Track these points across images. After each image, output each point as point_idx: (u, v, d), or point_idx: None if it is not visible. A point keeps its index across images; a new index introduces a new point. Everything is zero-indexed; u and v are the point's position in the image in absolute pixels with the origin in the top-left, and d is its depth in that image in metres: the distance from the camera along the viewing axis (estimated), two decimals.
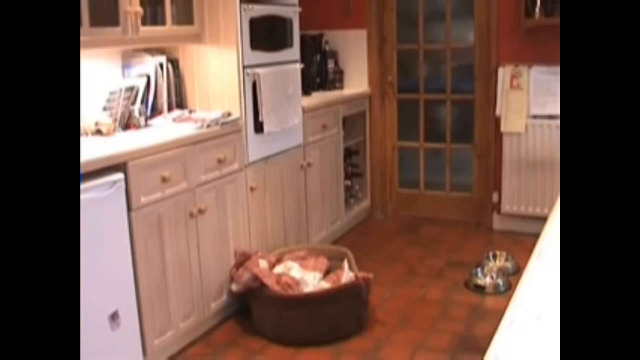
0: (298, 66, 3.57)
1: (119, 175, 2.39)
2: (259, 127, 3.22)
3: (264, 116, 3.21)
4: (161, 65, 3.09)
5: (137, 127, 2.92)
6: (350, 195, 4.58)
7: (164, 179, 2.62)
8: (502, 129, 4.14)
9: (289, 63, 3.50)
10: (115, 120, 2.84)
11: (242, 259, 3.06)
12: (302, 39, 3.77)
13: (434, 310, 3.22)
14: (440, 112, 4.65)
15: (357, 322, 2.99)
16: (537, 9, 3.95)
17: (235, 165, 3.09)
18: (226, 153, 3.01)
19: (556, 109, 3.98)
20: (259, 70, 3.19)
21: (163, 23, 2.95)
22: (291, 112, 3.46)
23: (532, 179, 4.12)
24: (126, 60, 3.09)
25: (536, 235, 1.59)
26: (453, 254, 3.98)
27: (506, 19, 4.12)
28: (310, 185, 3.80)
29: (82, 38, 2.35)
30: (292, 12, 3.54)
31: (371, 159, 4.69)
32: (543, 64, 4.01)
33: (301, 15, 3.61)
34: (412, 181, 4.78)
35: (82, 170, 2.21)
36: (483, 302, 3.29)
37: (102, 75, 2.97)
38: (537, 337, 1.04)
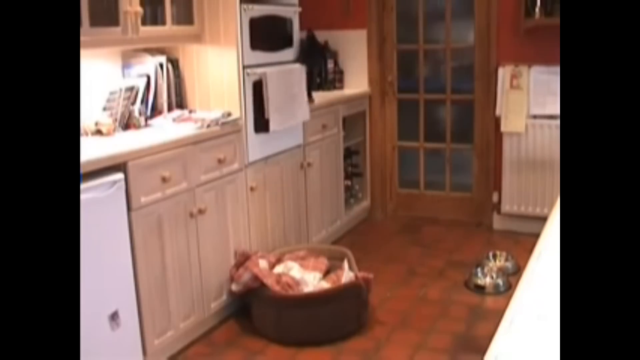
0: (299, 66, 3.56)
1: (119, 175, 2.39)
2: (260, 127, 3.22)
3: (269, 114, 3.21)
4: (161, 65, 3.09)
5: (137, 127, 2.92)
6: (350, 195, 4.58)
7: (164, 179, 2.62)
8: (502, 129, 4.15)
9: (288, 63, 3.51)
10: (115, 120, 2.84)
11: (242, 259, 3.06)
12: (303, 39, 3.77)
13: (434, 310, 3.22)
14: (440, 112, 4.65)
15: (357, 322, 2.99)
16: (537, 9, 3.95)
17: (235, 165, 3.09)
18: (226, 153, 3.01)
19: (556, 109, 3.98)
20: (265, 70, 3.19)
21: (163, 23, 2.95)
22: (296, 110, 3.45)
23: (532, 179, 4.12)
24: (126, 60, 3.09)
25: (536, 235, 1.59)
26: (453, 254, 3.98)
27: (506, 19, 4.12)
28: (310, 185, 3.80)
29: (82, 38, 2.35)
30: (292, 12, 3.54)
31: (371, 159, 4.69)
32: (543, 64, 4.01)
33: (301, 15, 3.61)
34: (412, 181, 4.78)
35: (82, 170, 2.21)
36: (483, 302, 3.29)
37: (102, 75, 2.97)
38: (537, 337, 1.04)
